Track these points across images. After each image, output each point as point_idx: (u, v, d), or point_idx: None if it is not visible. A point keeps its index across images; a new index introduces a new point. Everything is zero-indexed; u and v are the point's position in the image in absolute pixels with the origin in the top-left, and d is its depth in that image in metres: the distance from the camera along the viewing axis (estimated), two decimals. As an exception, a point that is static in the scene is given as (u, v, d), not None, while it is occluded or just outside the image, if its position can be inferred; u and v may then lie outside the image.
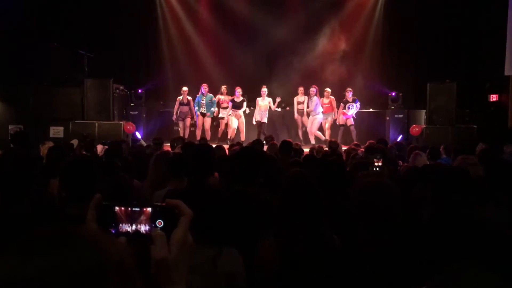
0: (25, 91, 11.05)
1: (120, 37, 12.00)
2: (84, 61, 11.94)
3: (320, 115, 11.31)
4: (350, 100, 11.40)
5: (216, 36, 13.23)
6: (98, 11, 11.94)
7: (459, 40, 11.70)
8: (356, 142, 8.65)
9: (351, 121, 11.39)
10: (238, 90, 11.32)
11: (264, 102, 11.35)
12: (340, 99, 11.60)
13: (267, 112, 11.35)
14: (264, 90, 11.37)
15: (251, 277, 2.08)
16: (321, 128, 11.47)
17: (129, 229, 0.83)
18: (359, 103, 11.45)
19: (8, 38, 10.48)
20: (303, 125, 11.59)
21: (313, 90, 11.28)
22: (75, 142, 7.82)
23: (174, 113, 11.39)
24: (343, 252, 2.07)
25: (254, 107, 11.56)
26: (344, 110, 11.40)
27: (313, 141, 10.96)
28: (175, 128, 11.90)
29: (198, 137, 10.81)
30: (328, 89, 11.43)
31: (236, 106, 11.33)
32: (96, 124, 10.87)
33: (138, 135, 11.57)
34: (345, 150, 7.39)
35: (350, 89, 11.49)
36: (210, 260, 1.82)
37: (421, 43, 12.07)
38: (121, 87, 12.13)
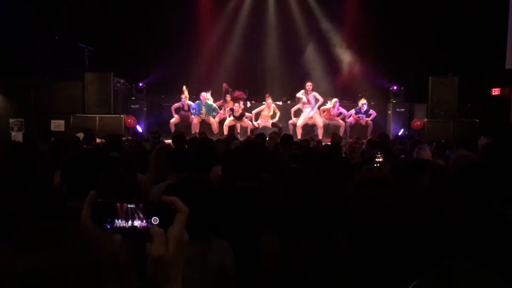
0: (26, 85, 11.02)
1: (121, 31, 11.94)
2: (85, 55, 11.90)
3: (314, 110, 11.21)
4: (363, 111, 11.41)
5: (218, 30, 13.19)
6: (98, 4, 11.88)
7: (461, 34, 11.63)
8: (357, 136, 8.63)
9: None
10: (236, 106, 11.04)
11: (270, 112, 11.20)
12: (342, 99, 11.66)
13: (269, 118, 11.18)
14: (270, 101, 11.15)
15: (253, 275, 2.07)
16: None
17: (125, 225, 0.83)
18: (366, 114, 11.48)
19: (8, 32, 10.45)
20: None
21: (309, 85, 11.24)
22: (80, 135, 7.83)
23: (172, 109, 11.45)
24: (349, 249, 2.04)
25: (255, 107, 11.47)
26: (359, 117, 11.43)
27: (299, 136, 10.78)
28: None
29: (193, 131, 10.83)
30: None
31: (238, 119, 11.14)
32: (97, 118, 10.87)
33: (139, 128, 11.56)
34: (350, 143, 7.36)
35: (365, 102, 11.44)
36: (200, 255, 1.81)
37: (423, 37, 12.00)
38: (122, 81, 12.11)
